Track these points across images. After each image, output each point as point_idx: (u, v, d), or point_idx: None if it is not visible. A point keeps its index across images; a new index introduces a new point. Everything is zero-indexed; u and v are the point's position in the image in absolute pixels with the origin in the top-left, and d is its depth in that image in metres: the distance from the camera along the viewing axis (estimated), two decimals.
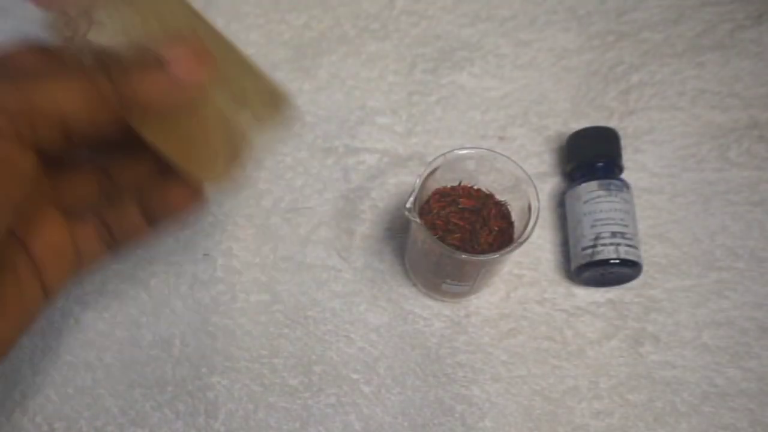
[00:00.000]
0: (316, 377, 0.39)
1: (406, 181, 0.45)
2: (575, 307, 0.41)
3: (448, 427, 0.38)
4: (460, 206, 0.37)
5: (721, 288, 0.41)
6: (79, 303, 0.41)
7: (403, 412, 0.38)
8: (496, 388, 0.39)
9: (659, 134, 0.46)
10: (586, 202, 0.40)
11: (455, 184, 0.38)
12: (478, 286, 0.38)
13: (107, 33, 0.23)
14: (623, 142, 0.43)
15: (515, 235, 0.37)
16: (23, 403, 0.38)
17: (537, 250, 0.43)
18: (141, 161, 0.29)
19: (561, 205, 0.44)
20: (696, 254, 0.42)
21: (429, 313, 0.41)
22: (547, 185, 0.45)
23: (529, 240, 0.34)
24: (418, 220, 0.34)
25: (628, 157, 0.44)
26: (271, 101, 0.30)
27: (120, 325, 0.40)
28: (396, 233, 0.43)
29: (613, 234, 0.39)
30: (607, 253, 0.38)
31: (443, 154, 0.36)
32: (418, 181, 0.35)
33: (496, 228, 0.37)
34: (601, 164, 0.41)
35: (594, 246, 0.39)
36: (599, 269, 0.39)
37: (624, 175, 0.42)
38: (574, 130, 0.44)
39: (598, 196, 0.40)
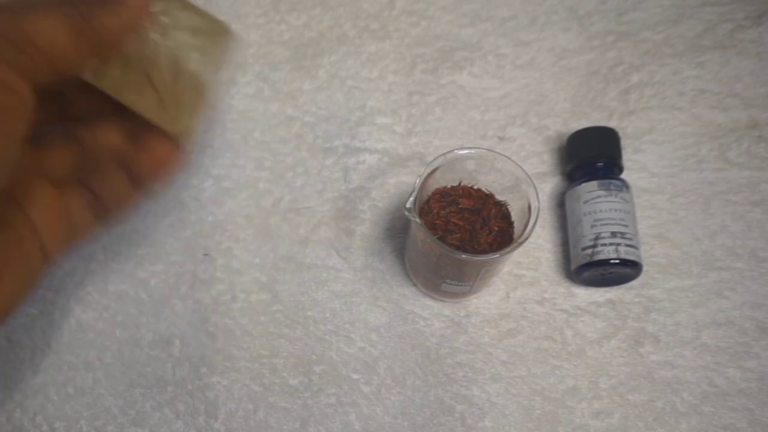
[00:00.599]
0: (316, 377, 0.39)
1: (406, 181, 0.45)
2: (575, 307, 0.41)
3: (448, 427, 0.38)
4: (460, 206, 0.37)
5: (720, 288, 0.41)
6: (79, 303, 0.41)
7: (403, 412, 0.38)
8: (496, 388, 0.39)
9: (659, 134, 0.46)
10: (586, 202, 0.40)
11: (455, 184, 0.38)
12: (478, 286, 0.38)
13: None
14: (623, 142, 0.43)
15: (515, 235, 0.37)
16: (23, 403, 0.38)
17: (537, 250, 0.43)
18: (112, 127, 0.30)
19: (561, 205, 0.44)
20: (696, 254, 0.42)
21: (429, 313, 0.41)
22: (547, 185, 0.45)
23: (529, 240, 0.34)
24: (418, 220, 0.34)
25: (628, 157, 0.44)
26: (214, 34, 0.30)
27: (120, 325, 0.40)
28: (396, 233, 0.43)
29: (613, 234, 0.39)
30: (607, 253, 0.38)
31: (443, 154, 0.36)
32: (418, 181, 0.35)
33: (496, 228, 0.37)
34: (601, 164, 0.41)
35: (594, 246, 0.39)
36: (599, 269, 0.39)
37: (624, 175, 0.42)
38: (574, 130, 0.44)
39: (598, 196, 0.40)
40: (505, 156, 0.36)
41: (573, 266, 0.40)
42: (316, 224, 0.43)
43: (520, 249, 0.34)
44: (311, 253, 0.42)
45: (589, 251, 0.39)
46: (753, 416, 0.38)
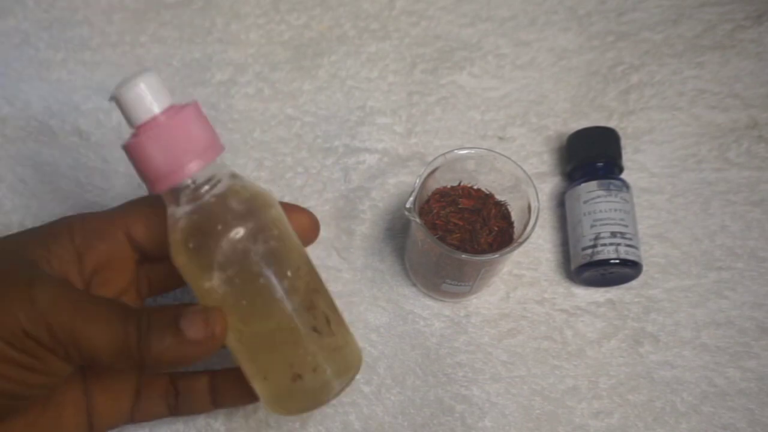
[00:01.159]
0: None
1: (406, 181, 0.45)
2: (575, 307, 0.41)
3: (448, 427, 0.38)
4: (460, 206, 0.38)
5: (720, 288, 0.41)
6: None
7: (403, 412, 0.38)
8: (496, 388, 0.39)
9: (659, 134, 0.46)
10: (585, 202, 0.40)
11: (455, 184, 0.38)
12: (478, 286, 0.38)
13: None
14: (623, 142, 0.43)
15: (515, 235, 0.37)
16: None
17: (537, 250, 0.43)
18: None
19: (561, 205, 0.44)
20: (696, 254, 0.42)
21: (429, 313, 0.41)
22: (547, 185, 0.45)
23: (529, 240, 0.34)
24: (418, 220, 0.34)
25: (627, 157, 0.44)
26: (348, 362, 0.29)
27: None
28: (396, 233, 0.43)
29: (613, 234, 0.39)
30: (607, 253, 0.38)
31: (443, 154, 0.36)
32: (418, 181, 0.35)
33: (496, 228, 0.37)
34: (600, 164, 0.42)
35: (594, 246, 0.39)
36: (599, 269, 0.39)
37: (624, 175, 0.42)
38: (574, 130, 0.44)
39: (598, 196, 0.40)
40: (505, 156, 0.36)
41: (573, 266, 0.40)
42: None
43: (520, 249, 0.34)
44: (311, 253, 0.42)
45: (589, 251, 0.39)
46: (753, 416, 0.38)
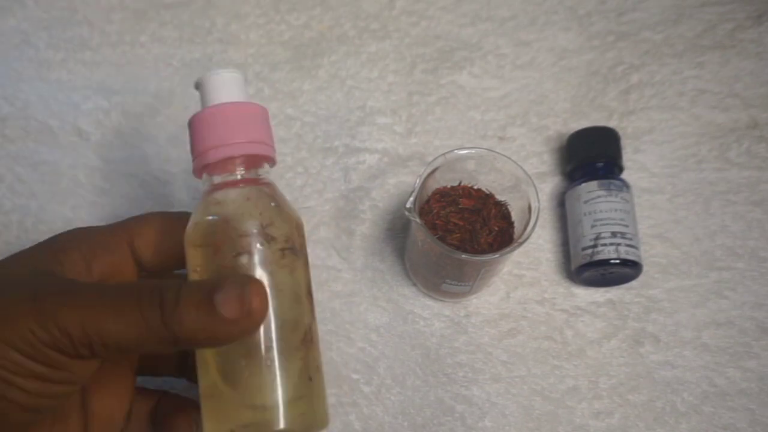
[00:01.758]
0: None
1: (406, 181, 0.44)
2: (575, 307, 0.41)
3: (448, 427, 0.38)
4: (460, 206, 0.37)
5: (721, 288, 0.41)
6: None
7: (403, 412, 0.38)
8: (496, 388, 0.39)
9: (659, 134, 0.46)
10: (586, 202, 0.40)
11: (455, 184, 0.38)
12: (478, 286, 0.38)
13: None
14: (623, 142, 0.43)
15: (515, 235, 0.37)
16: None
17: (537, 250, 0.43)
18: None
19: (561, 205, 0.44)
20: (696, 254, 0.42)
21: (429, 313, 0.41)
22: (547, 185, 0.45)
23: (529, 240, 0.34)
24: (418, 220, 0.34)
25: (628, 157, 0.44)
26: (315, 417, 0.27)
27: None
28: (396, 233, 0.43)
29: (613, 234, 0.39)
30: (607, 253, 0.38)
31: (443, 154, 0.36)
32: (418, 181, 0.35)
33: (496, 228, 0.37)
34: (601, 164, 0.41)
35: (594, 246, 0.39)
36: (599, 269, 0.39)
37: (624, 175, 0.42)
38: (574, 130, 0.44)
39: (598, 196, 0.40)
40: (505, 156, 0.36)
41: (573, 266, 0.40)
42: (316, 224, 0.43)
43: (520, 249, 0.34)
44: (311, 253, 0.42)
45: (590, 251, 0.39)
46: (753, 416, 0.38)
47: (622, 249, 0.38)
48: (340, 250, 0.42)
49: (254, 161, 0.27)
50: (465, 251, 0.34)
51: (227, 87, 0.26)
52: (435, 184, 0.38)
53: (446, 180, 0.38)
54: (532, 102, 0.47)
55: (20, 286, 0.24)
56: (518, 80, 0.48)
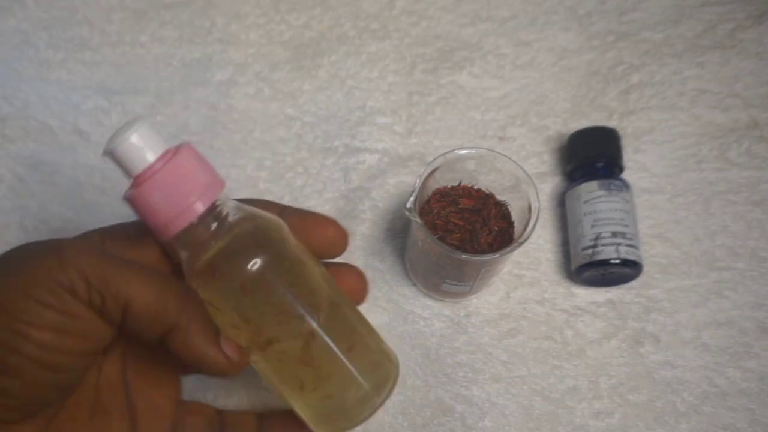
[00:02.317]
0: None
1: (406, 181, 0.44)
2: (575, 307, 0.41)
3: (448, 427, 0.38)
4: (460, 206, 0.37)
5: (721, 288, 0.41)
6: None
7: (403, 412, 0.38)
8: (496, 388, 0.39)
9: (659, 134, 0.46)
10: (586, 202, 0.40)
11: (455, 184, 0.38)
12: (478, 286, 0.38)
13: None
14: (623, 142, 0.43)
15: (515, 235, 0.37)
16: None
17: (537, 250, 0.43)
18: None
19: (561, 205, 0.44)
20: (696, 254, 0.42)
21: (429, 313, 0.41)
22: (547, 185, 0.45)
23: (529, 240, 0.34)
24: (418, 220, 0.34)
25: (628, 157, 0.44)
26: (385, 374, 0.29)
27: None
28: (396, 233, 0.43)
29: (614, 234, 0.39)
30: (608, 253, 0.38)
31: (443, 154, 0.35)
32: (418, 181, 0.35)
33: (496, 228, 0.37)
34: (601, 164, 0.41)
35: (594, 246, 0.39)
36: (599, 269, 0.39)
37: (624, 175, 0.42)
38: (574, 130, 0.44)
39: (599, 196, 0.40)
40: (506, 156, 0.36)
41: (573, 266, 0.40)
42: None
43: (520, 249, 0.34)
44: None
45: (590, 251, 0.39)
46: (753, 416, 0.38)
47: (622, 249, 0.38)
48: None
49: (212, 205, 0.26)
50: (465, 251, 0.34)
51: (144, 146, 0.24)
52: (435, 184, 0.38)
53: (446, 180, 0.38)
54: (532, 102, 0.47)
55: (48, 242, 0.24)
56: (518, 80, 0.48)
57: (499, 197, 0.38)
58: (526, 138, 0.46)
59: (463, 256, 0.33)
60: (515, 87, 0.48)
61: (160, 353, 0.29)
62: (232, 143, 0.45)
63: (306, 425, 0.29)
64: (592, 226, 0.39)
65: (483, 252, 0.36)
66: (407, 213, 0.34)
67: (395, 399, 0.38)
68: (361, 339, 0.28)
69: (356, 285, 0.30)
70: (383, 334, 0.40)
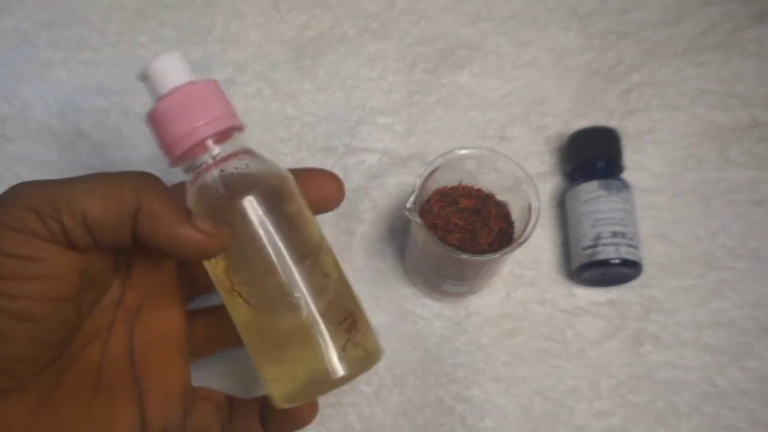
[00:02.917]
0: None
1: (406, 181, 0.44)
2: (575, 307, 0.41)
3: (448, 428, 0.38)
4: (460, 206, 0.37)
5: (721, 288, 0.41)
6: None
7: (404, 413, 0.38)
8: (496, 388, 0.39)
9: (660, 134, 0.46)
10: (586, 201, 0.40)
11: (455, 184, 0.38)
12: (479, 286, 0.38)
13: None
14: (623, 142, 0.43)
15: (515, 235, 0.37)
16: None
17: (537, 250, 0.42)
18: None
19: (561, 205, 0.44)
20: (697, 254, 0.42)
21: (429, 313, 0.41)
22: (547, 185, 0.44)
23: (530, 240, 0.34)
24: (418, 220, 0.34)
25: (628, 157, 0.44)
26: (366, 349, 0.29)
27: None
28: (396, 233, 0.43)
29: (614, 234, 0.39)
30: (608, 253, 0.38)
31: (443, 154, 0.35)
32: (418, 181, 0.35)
33: (496, 228, 0.37)
34: (601, 164, 0.41)
35: (594, 246, 0.39)
36: (600, 269, 0.39)
37: (624, 175, 0.42)
38: (574, 130, 0.43)
39: (599, 196, 0.40)
40: (506, 156, 0.36)
41: (573, 266, 0.40)
42: None
43: (521, 249, 0.34)
44: None
45: (590, 251, 0.39)
46: (754, 416, 0.38)
47: (622, 249, 0.38)
48: (340, 250, 0.42)
49: (226, 135, 0.27)
50: (465, 251, 0.34)
51: (172, 71, 0.26)
52: (435, 184, 0.38)
53: (446, 180, 0.38)
54: (533, 102, 0.47)
55: None
56: (519, 80, 0.48)
57: (499, 197, 0.38)
58: (527, 138, 0.46)
59: (463, 256, 0.33)
60: (515, 87, 0.48)
61: (169, 335, 0.29)
62: None
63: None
64: (593, 226, 0.39)
65: (483, 252, 0.36)
66: (407, 213, 0.34)
67: (395, 399, 0.38)
68: (350, 313, 0.29)
69: (331, 188, 0.31)
70: (383, 334, 0.40)
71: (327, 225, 0.43)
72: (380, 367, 0.39)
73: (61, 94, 0.47)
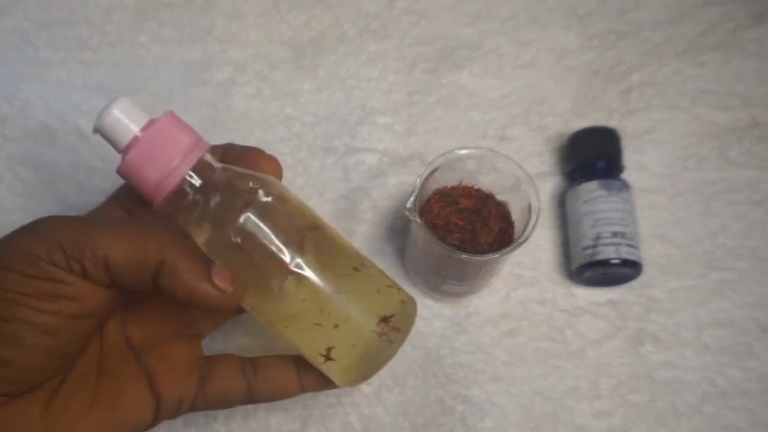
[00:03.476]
0: None
1: (406, 181, 0.44)
2: (576, 307, 0.41)
3: (448, 428, 0.38)
4: (460, 206, 0.37)
5: (721, 288, 0.41)
6: None
7: (403, 412, 0.38)
8: (496, 388, 0.39)
9: (660, 134, 0.46)
10: (586, 201, 0.40)
11: (455, 184, 0.38)
12: (479, 286, 0.38)
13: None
14: (623, 142, 0.43)
15: (515, 235, 0.37)
16: None
17: (537, 250, 0.42)
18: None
19: (561, 205, 0.44)
20: (697, 254, 0.42)
21: (429, 313, 0.41)
22: (547, 185, 0.44)
23: (530, 240, 0.34)
24: (418, 220, 0.34)
25: (628, 157, 0.44)
26: (402, 315, 0.30)
27: None
28: (396, 233, 0.43)
29: (614, 234, 0.39)
30: (608, 253, 0.38)
31: (443, 154, 0.35)
32: (418, 181, 0.35)
33: (496, 228, 0.37)
34: (601, 164, 0.41)
35: (594, 246, 0.39)
36: (600, 269, 0.39)
37: (624, 175, 0.42)
38: (574, 130, 0.43)
39: (599, 196, 0.40)
40: (506, 156, 0.36)
41: (573, 266, 0.40)
42: None
43: (521, 249, 0.34)
44: None
45: (590, 251, 0.39)
46: (754, 417, 0.38)
47: (622, 249, 0.38)
48: None
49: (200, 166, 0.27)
50: (465, 251, 0.34)
51: (129, 116, 0.26)
52: (435, 184, 0.38)
53: (446, 180, 0.38)
54: (533, 102, 0.47)
55: (28, 223, 0.25)
56: (519, 80, 0.48)
57: (499, 197, 0.38)
58: (527, 138, 0.46)
59: (464, 256, 0.33)
60: (515, 87, 0.48)
61: (163, 313, 0.30)
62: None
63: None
64: (592, 226, 0.39)
65: (483, 252, 0.36)
66: (407, 213, 0.34)
67: (395, 399, 0.38)
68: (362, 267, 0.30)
69: (268, 166, 0.31)
70: None
71: None
72: None
73: (61, 94, 0.47)
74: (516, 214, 0.37)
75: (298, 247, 0.27)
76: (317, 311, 0.28)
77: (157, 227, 0.26)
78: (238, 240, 0.26)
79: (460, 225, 0.37)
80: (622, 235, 0.39)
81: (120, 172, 0.26)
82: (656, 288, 0.41)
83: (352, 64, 0.48)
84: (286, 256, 0.27)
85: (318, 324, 0.28)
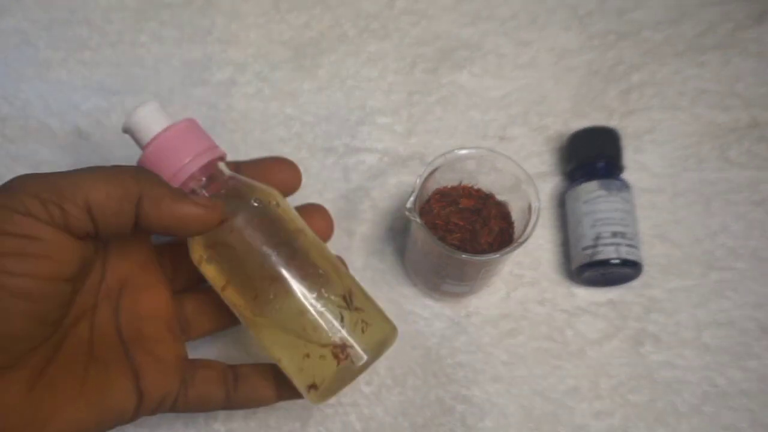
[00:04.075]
0: None
1: (406, 181, 0.44)
2: (576, 307, 0.41)
3: (448, 428, 0.38)
4: (460, 206, 0.37)
5: (721, 288, 0.41)
6: None
7: (403, 412, 0.38)
8: (496, 388, 0.39)
9: (660, 134, 0.46)
10: (586, 202, 0.40)
11: (455, 184, 0.38)
12: (479, 286, 0.38)
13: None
14: (624, 142, 0.43)
15: (515, 235, 0.37)
16: None
17: (537, 250, 0.42)
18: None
19: (561, 205, 0.44)
20: (697, 254, 0.42)
21: (429, 313, 0.41)
22: (547, 185, 0.44)
23: (530, 240, 0.34)
24: (418, 220, 0.34)
25: (628, 157, 0.44)
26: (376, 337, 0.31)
27: None
28: (396, 233, 0.43)
29: (614, 234, 0.39)
30: (608, 253, 0.38)
31: (443, 154, 0.35)
32: (418, 181, 0.35)
33: (496, 228, 0.37)
34: (601, 164, 0.41)
35: (594, 246, 0.39)
36: (600, 269, 0.39)
37: (624, 175, 0.42)
38: (574, 130, 0.43)
39: (599, 196, 0.40)
40: (506, 156, 0.36)
41: (573, 266, 0.40)
42: None
43: (521, 249, 0.34)
44: None
45: (590, 251, 0.39)
46: (754, 417, 0.38)
47: (622, 249, 0.38)
48: (340, 250, 0.42)
49: (210, 168, 0.30)
50: (465, 251, 0.34)
51: (153, 118, 0.29)
52: (435, 184, 0.38)
53: (446, 180, 0.38)
54: (533, 102, 0.47)
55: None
56: (519, 80, 0.48)
57: (499, 197, 0.38)
58: (527, 138, 0.46)
59: (464, 256, 0.33)
60: (515, 87, 0.48)
61: (155, 312, 0.30)
62: (232, 143, 0.45)
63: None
64: (592, 226, 0.39)
65: (483, 252, 0.36)
66: (407, 213, 0.34)
67: (395, 399, 0.38)
68: (352, 302, 0.31)
69: (322, 222, 0.34)
70: None
71: None
72: (380, 367, 0.39)
73: (61, 94, 0.47)
74: (516, 214, 0.37)
75: (282, 258, 0.30)
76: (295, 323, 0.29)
77: (127, 166, 0.27)
78: (232, 242, 0.29)
79: (460, 225, 0.37)
80: (622, 235, 0.39)
81: (140, 164, 0.29)
82: (656, 288, 0.41)
83: (352, 64, 0.48)
84: (271, 265, 0.29)
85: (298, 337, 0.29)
